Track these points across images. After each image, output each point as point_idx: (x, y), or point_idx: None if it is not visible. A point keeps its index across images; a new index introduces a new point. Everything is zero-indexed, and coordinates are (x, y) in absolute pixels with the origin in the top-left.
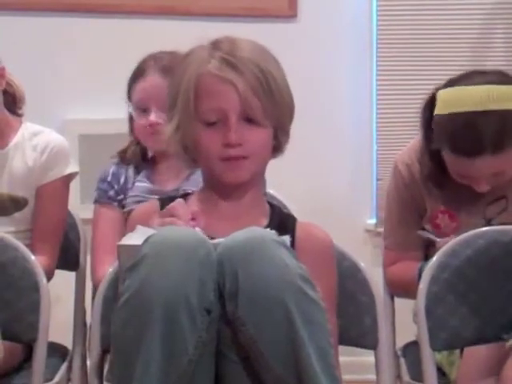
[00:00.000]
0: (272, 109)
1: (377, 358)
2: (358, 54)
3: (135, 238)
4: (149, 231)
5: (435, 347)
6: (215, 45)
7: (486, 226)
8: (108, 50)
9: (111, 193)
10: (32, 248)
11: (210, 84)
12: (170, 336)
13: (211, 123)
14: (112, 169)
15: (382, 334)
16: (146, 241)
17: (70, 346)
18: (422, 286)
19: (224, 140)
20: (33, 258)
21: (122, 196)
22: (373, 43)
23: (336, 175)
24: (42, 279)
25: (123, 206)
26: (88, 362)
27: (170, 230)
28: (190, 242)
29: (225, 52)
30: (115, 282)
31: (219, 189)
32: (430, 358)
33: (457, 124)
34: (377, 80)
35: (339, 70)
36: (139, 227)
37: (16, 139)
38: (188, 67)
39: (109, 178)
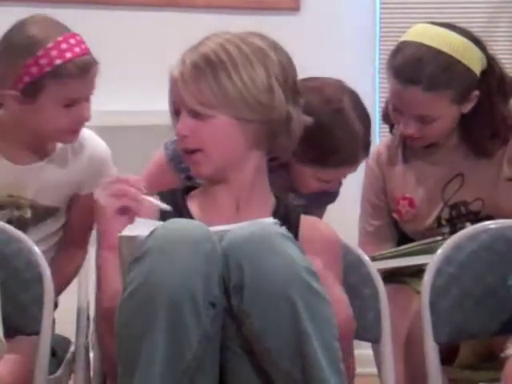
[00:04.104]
0: (220, 101)
1: (380, 352)
2: (360, 47)
3: (136, 229)
4: (149, 223)
5: (439, 340)
6: (197, 43)
7: (443, 208)
8: (111, 42)
9: (184, 165)
10: (65, 250)
11: (170, 81)
12: (175, 330)
13: (176, 115)
14: None
15: (386, 328)
16: (150, 234)
17: (73, 338)
18: (427, 279)
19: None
20: (37, 249)
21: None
22: (376, 36)
23: None
24: (46, 271)
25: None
26: (91, 355)
27: (176, 223)
28: (195, 236)
29: (191, 51)
30: None
31: (214, 183)
32: (433, 352)
33: (408, 50)
34: (379, 73)
35: (342, 64)
36: (138, 219)
37: (59, 146)
38: None
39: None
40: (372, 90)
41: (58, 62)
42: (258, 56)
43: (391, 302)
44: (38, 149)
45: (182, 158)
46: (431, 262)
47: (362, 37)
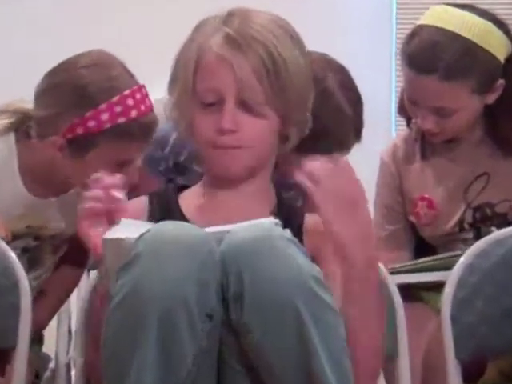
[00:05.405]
0: (277, 95)
1: (396, 369)
2: (375, 32)
3: (121, 231)
4: (136, 224)
5: (461, 357)
6: (226, 18)
7: (466, 210)
8: (107, 29)
9: (162, 167)
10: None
11: (208, 62)
12: (167, 344)
13: (207, 105)
14: (173, 137)
15: (403, 343)
16: (140, 237)
17: (52, 353)
18: (448, 291)
19: (217, 125)
20: (13, 255)
21: (173, 175)
22: (392, 20)
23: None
24: (24, 280)
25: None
26: (73, 372)
27: (168, 225)
28: (189, 239)
29: (232, 27)
30: None
31: (218, 180)
32: (455, 370)
33: (422, 35)
34: (396, 60)
35: (355, 50)
36: (124, 220)
37: None
38: (193, 40)
39: (167, 150)
40: (388, 78)
41: (122, 120)
42: (300, 44)
43: (407, 322)
44: (63, 188)
45: (159, 161)
46: (453, 271)
47: (378, 20)
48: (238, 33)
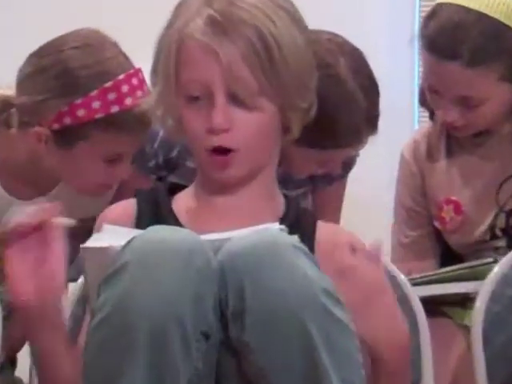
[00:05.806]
0: (272, 83)
1: None
2: (396, 9)
3: (104, 238)
4: (121, 231)
5: (494, 383)
6: None
7: (498, 214)
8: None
9: (152, 164)
10: None
11: (191, 50)
12: (158, 367)
13: (194, 98)
14: (162, 132)
15: (427, 366)
16: (126, 245)
17: (26, 377)
18: (480, 305)
19: (207, 123)
20: None
21: (165, 172)
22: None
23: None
24: None
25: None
26: None
27: (159, 231)
28: (184, 247)
29: (216, 8)
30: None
31: (214, 179)
32: None
33: (443, 15)
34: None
35: (373, 31)
36: (107, 226)
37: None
38: (174, 23)
39: (156, 144)
40: (410, 63)
41: (115, 109)
42: (298, 21)
43: (430, 341)
44: (46, 186)
45: (148, 156)
46: (485, 283)
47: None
48: (222, 14)
